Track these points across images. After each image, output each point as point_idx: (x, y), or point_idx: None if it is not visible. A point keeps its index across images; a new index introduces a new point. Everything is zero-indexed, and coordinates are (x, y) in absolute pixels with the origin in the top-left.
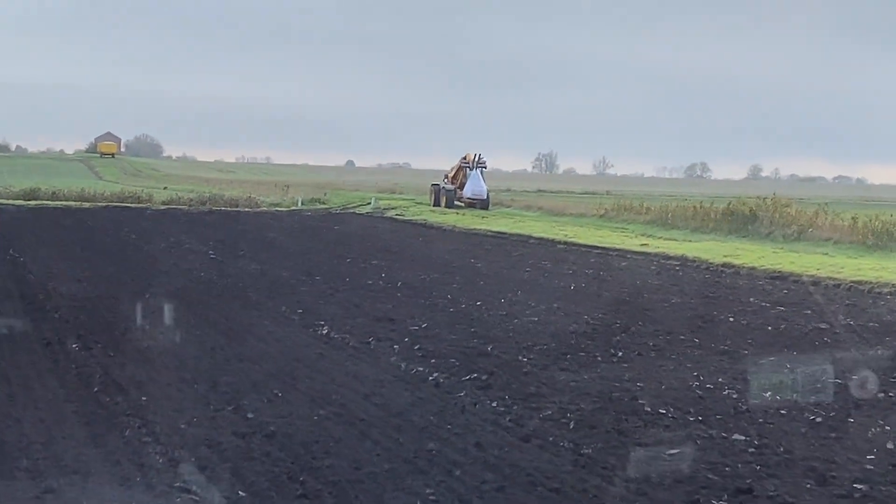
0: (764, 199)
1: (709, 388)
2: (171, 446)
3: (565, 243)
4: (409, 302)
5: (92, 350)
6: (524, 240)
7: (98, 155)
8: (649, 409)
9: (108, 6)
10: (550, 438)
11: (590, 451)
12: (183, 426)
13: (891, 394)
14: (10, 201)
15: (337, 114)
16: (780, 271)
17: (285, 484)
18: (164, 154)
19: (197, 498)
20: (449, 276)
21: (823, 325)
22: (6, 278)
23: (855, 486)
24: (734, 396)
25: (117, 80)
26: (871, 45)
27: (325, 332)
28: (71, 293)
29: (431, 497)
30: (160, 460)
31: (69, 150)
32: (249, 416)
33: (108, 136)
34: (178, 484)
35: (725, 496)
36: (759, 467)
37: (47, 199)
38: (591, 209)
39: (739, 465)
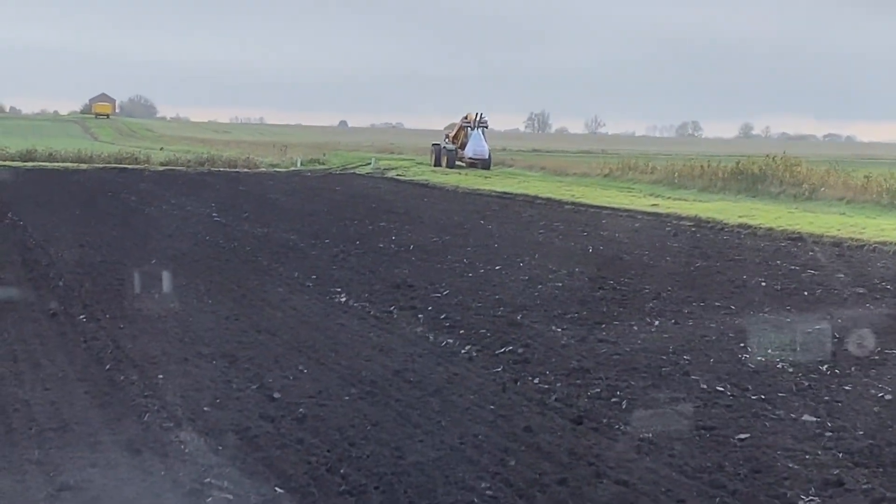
0: (773, 157)
1: (760, 360)
2: (195, 433)
3: (573, 203)
4: (425, 266)
5: (100, 321)
6: (531, 200)
7: (93, 116)
8: (705, 387)
9: None
10: (604, 420)
11: (650, 435)
12: (206, 409)
13: None
14: (7, 163)
15: (329, 74)
16: (798, 232)
17: (325, 477)
18: (159, 115)
19: (231, 497)
20: (461, 238)
21: (861, 290)
22: (7, 243)
23: None
24: (790, 371)
25: (111, 42)
26: (858, 6)
27: (342, 299)
28: (74, 259)
29: (488, 492)
30: (185, 450)
31: (63, 112)
32: (276, 396)
33: (103, 97)
34: (207, 479)
35: (812, 489)
36: (840, 455)
37: (44, 161)
38: (595, 169)
39: (819, 453)
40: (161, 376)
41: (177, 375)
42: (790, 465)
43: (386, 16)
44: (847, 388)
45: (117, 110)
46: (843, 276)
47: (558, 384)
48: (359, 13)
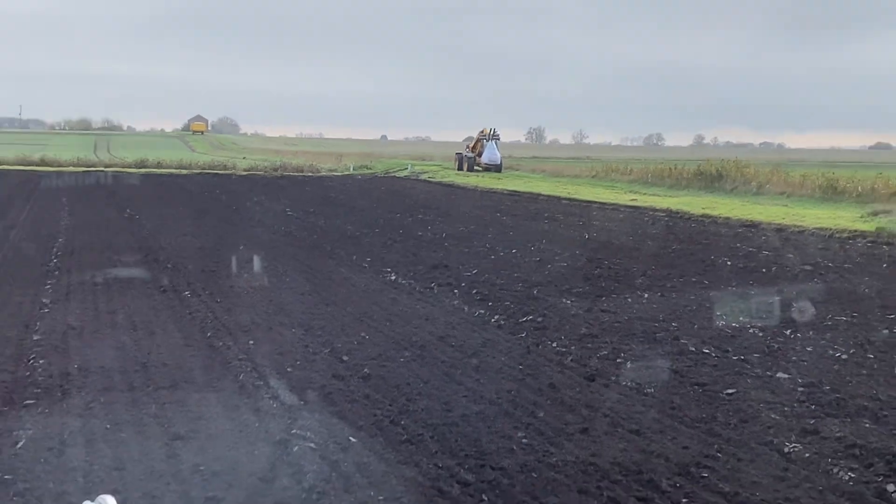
0: (727, 161)
1: (735, 326)
2: (280, 390)
3: (569, 199)
4: (456, 251)
5: (201, 296)
6: (535, 197)
7: (191, 132)
8: (693, 349)
9: (196, 16)
10: (613, 378)
11: (652, 390)
12: (289, 369)
13: None
14: (125, 169)
15: (372, 97)
16: (752, 220)
17: (389, 428)
18: (241, 131)
19: (313, 445)
20: (483, 228)
21: (808, 267)
22: (126, 234)
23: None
24: (760, 335)
25: (204, 73)
26: (786, 37)
27: (392, 278)
28: (179, 245)
29: (524, 440)
30: (273, 405)
31: (168, 129)
32: (344, 358)
33: (198, 117)
34: (294, 431)
35: (793, 437)
36: (813, 407)
37: (153, 168)
38: (583, 172)
39: (795, 405)
40: (251, 342)
41: (264, 342)
42: (772, 416)
43: (417, 52)
44: (809, 349)
45: (209, 128)
46: (791, 256)
47: (572, 347)
48: (396, 50)
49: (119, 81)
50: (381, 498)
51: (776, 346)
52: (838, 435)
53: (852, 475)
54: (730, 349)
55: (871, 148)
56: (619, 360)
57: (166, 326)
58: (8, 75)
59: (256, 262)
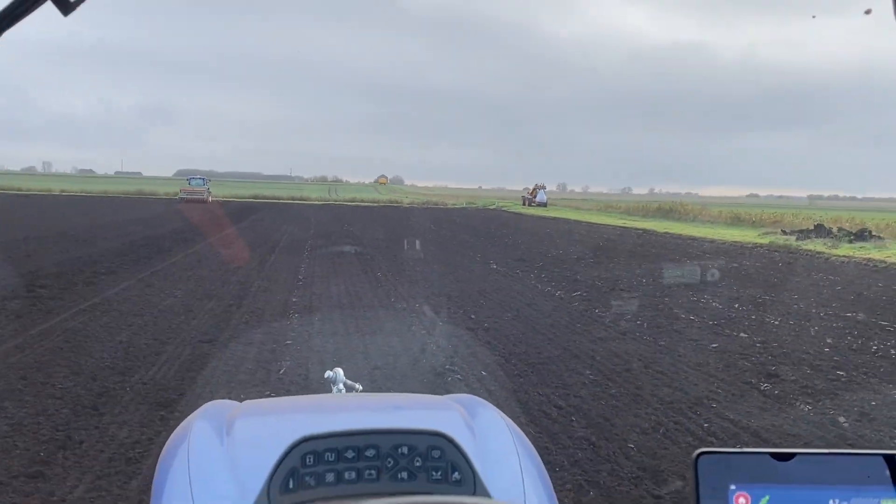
0: (675, 202)
1: (699, 296)
2: (436, 337)
3: (585, 222)
4: (528, 250)
5: (379, 262)
6: (567, 220)
7: (378, 183)
8: (683, 316)
9: (385, 122)
10: (638, 334)
11: (665, 343)
12: (440, 324)
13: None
14: (342, 203)
15: (471, 167)
16: (693, 236)
17: (505, 365)
18: (405, 182)
19: (459, 377)
20: (539, 236)
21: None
22: (347, 235)
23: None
24: (716, 305)
25: (387, 147)
26: (703, 132)
27: (494, 267)
28: (374, 238)
29: (591, 376)
30: (432, 348)
31: (367, 181)
32: (472, 316)
33: (382, 175)
34: (447, 366)
35: (763, 380)
36: (770, 357)
37: (358, 202)
38: (591, 206)
39: (758, 356)
40: (417, 304)
41: (421, 302)
42: (745, 363)
43: (497, 143)
44: (753, 317)
45: (388, 181)
46: (711, 254)
47: (607, 313)
48: (485, 134)
49: (342, 149)
50: (507, 413)
51: (732, 314)
52: (793, 378)
53: None
54: (705, 316)
55: (747, 196)
56: (639, 322)
57: (358, 275)
58: (283, 151)
59: (416, 254)
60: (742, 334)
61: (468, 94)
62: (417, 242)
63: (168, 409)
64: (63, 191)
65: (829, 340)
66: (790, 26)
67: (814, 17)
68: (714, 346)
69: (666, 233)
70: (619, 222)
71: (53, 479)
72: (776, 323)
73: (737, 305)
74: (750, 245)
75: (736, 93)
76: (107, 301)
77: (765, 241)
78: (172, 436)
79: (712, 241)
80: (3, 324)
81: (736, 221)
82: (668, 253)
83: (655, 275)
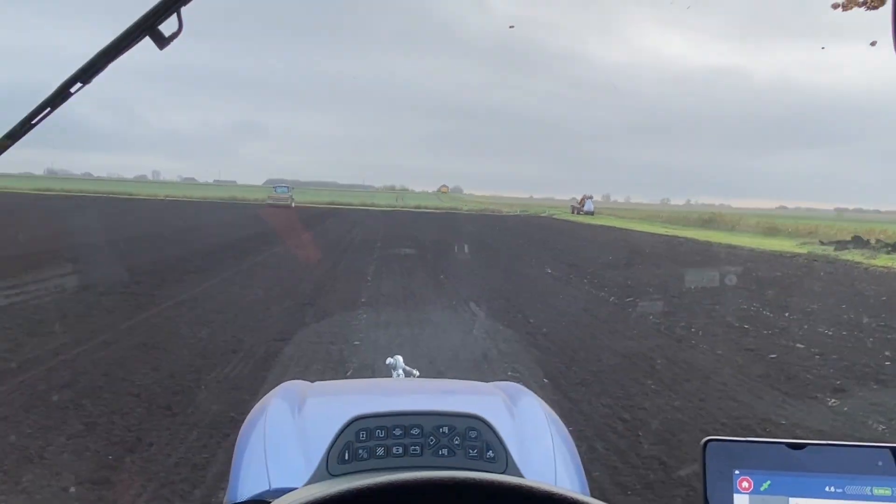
0: (713, 212)
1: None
2: (494, 340)
3: (632, 230)
4: (579, 256)
5: (437, 262)
6: (612, 228)
7: (440, 192)
8: (737, 325)
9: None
10: (693, 342)
11: (722, 352)
12: (500, 327)
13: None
14: (407, 210)
15: (523, 177)
16: (732, 244)
17: (565, 373)
18: (464, 192)
19: (519, 375)
20: (587, 242)
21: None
22: (405, 235)
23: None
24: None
25: (449, 159)
26: (733, 151)
27: (548, 271)
28: (429, 239)
29: (652, 386)
30: (491, 348)
31: (430, 190)
32: (531, 320)
33: (444, 185)
34: (508, 372)
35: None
36: (832, 370)
37: (422, 209)
38: (634, 216)
39: (819, 369)
40: (472, 304)
41: (477, 303)
42: (807, 376)
43: (548, 152)
44: (805, 326)
45: (449, 189)
46: (753, 262)
47: (660, 318)
48: (537, 149)
49: (407, 164)
50: (570, 429)
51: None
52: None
53: None
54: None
55: (776, 208)
56: (691, 328)
57: (419, 271)
58: (357, 162)
59: (468, 255)
60: (798, 345)
61: (522, 113)
62: (466, 247)
63: (238, 411)
64: (167, 196)
65: (887, 353)
66: (820, 53)
67: (873, 43)
68: (772, 356)
69: (707, 241)
70: (662, 231)
71: (118, 486)
72: (829, 333)
73: (787, 314)
74: (789, 254)
75: (767, 113)
76: (192, 298)
77: (803, 250)
78: (253, 410)
79: (752, 250)
80: (96, 319)
81: (773, 231)
82: (711, 260)
83: (707, 281)
